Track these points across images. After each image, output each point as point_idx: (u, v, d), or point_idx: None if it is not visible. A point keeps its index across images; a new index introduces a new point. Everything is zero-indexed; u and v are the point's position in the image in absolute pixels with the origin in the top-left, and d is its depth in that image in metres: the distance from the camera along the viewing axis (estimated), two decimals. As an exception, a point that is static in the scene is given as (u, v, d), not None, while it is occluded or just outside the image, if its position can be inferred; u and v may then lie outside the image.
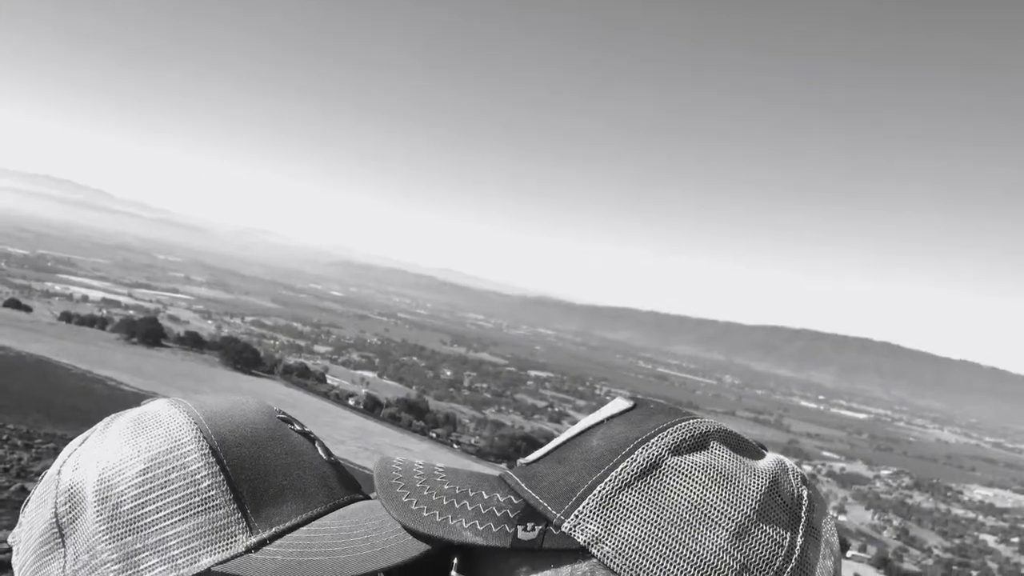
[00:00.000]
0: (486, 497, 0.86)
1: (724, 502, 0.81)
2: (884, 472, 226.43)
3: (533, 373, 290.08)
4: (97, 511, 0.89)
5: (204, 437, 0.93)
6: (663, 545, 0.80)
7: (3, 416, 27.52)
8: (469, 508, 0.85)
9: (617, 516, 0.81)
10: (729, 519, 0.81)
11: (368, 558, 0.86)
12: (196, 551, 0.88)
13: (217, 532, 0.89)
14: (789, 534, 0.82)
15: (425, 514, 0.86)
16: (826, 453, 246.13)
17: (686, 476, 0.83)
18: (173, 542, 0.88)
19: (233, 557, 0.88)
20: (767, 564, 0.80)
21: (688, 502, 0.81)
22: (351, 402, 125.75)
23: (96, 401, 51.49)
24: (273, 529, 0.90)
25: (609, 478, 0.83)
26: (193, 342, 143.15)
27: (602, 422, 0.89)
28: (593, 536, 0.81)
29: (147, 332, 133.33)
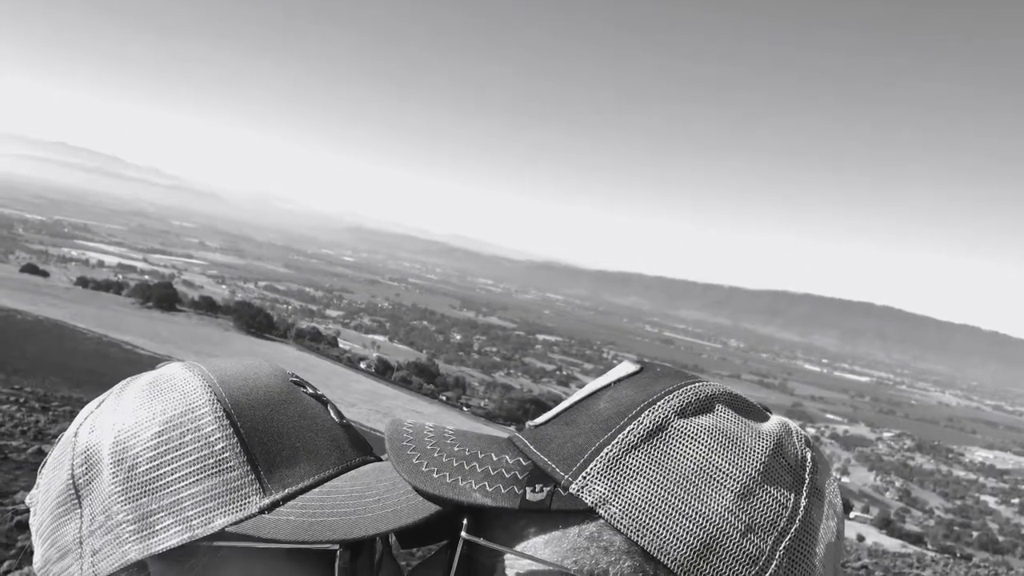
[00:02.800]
0: (495, 459, 0.87)
1: (729, 464, 0.82)
2: (886, 434, 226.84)
3: (541, 337, 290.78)
4: (113, 473, 0.91)
5: (218, 400, 0.95)
6: (669, 506, 0.80)
7: (20, 379, 28.89)
8: (479, 470, 0.86)
9: (624, 478, 0.82)
10: (734, 480, 0.81)
11: (379, 519, 0.87)
12: (210, 512, 0.89)
13: (231, 493, 0.90)
14: (793, 495, 0.83)
15: (435, 476, 0.87)
16: (829, 416, 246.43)
17: (692, 438, 0.83)
18: (188, 503, 0.89)
19: (246, 518, 0.88)
20: (771, 525, 0.80)
21: (694, 464, 0.81)
22: (362, 365, 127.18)
23: (112, 365, 52.55)
24: (286, 491, 0.91)
25: (616, 440, 0.84)
26: (207, 307, 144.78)
27: (609, 385, 0.92)
28: (600, 497, 0.81)
29: (162, 297, 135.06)
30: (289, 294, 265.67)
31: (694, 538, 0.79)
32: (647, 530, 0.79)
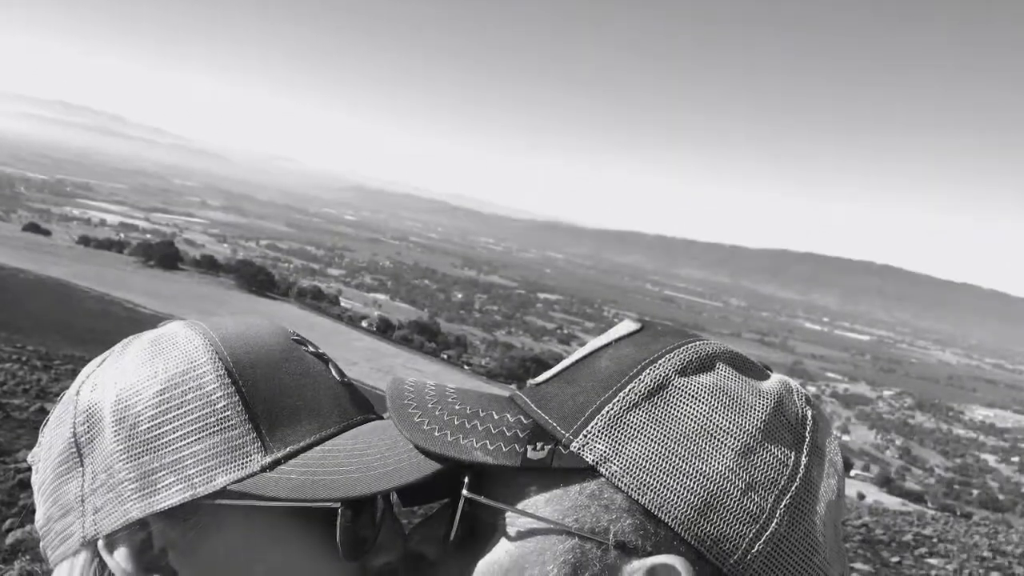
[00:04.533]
0: (496, 417, 0.88)
1: (730, 422, 0.82)
2: (887, 393, 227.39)
3: (542, 296, 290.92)
4: (115, 431, 0.91)
5: (220, 358, 0.95)
6: (670, 464, 0.80)
7: (23, 338, 28.98)
8: (480, 428, 0.87)
9: (625, 436, 0.82)
10: (735, 439, 0.81)
11: (381, 477, 0.87)
12: (212, 470, 0.89)
13: (232, 452, 0.90)
14: (794, 453, 0.82)
15: (437, 434, 0.87)
16: (830, 374, 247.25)
17: (692, 396, 0.83)
18: (189, 461, 0.89)
19: (248, 476, 0.88)
20: (772, 483, 0.80)
21: (694, 422, 0.82)
22: (364, 324, 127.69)
23: (114, 323, 52.81)
24: (287, 449, 0.91)
25: (617, 399, 0.84)
26: (209, 265, 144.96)
27: (610, 344, 0.92)
28: (601, 455, 0.81)
29: (164, 255, 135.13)
30: (291, 253, 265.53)
31: (695, 496, 0.79)
32: (648, 488, 0.80)
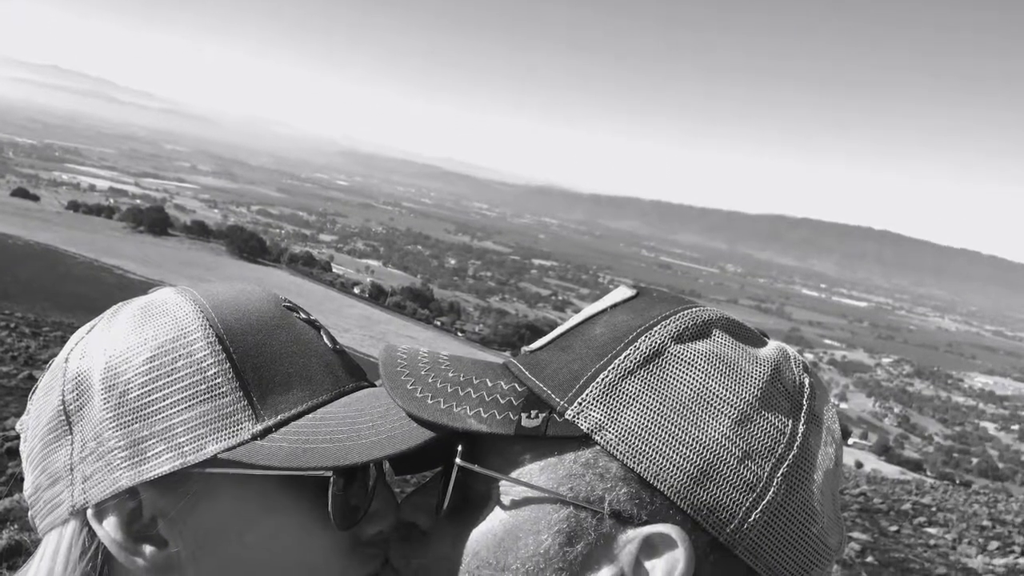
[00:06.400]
0: (490, 385, 0.87)
1: (726, 389, 0.81)
2: (885, 360, 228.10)
3: (537, 262, 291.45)
4: (104, 399, 0.90)
5: (210, 325, 0.94)
6: (665, 432, 0.79)
7: (11, 304, 28.69)
8: (473, 396, 0.86)
9: (620, 404, 0.81)
10: (731, 406, 0.80)
11: (373, 445, 0.86)
12: (202, 438, 0.88)
13: (223, 420, 0.89)
14: (791, 421, 0.82)
15: (430, 402, 0.86)
16: (828, 341, 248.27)
17: (688, 364, 0.82)
18: (179, 429, 0.88)
19: (239, 444, 0.88)
20: (769, 451, 0.79)
21: (690, 389, 0.81)
22: (356, 290, 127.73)
23: (103, 289, 52.51)
24: (279, 416, 0.90)
25: (612, 366, 0.83)
26: (199, 231, 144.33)
27: (605, 310, 0.91)
28: (596, 423, 0.80)
29: (154, 221, 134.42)
30: (282, 218, 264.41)
31: (691, 464, 0.78)
32: (643, 456, 0.79)
